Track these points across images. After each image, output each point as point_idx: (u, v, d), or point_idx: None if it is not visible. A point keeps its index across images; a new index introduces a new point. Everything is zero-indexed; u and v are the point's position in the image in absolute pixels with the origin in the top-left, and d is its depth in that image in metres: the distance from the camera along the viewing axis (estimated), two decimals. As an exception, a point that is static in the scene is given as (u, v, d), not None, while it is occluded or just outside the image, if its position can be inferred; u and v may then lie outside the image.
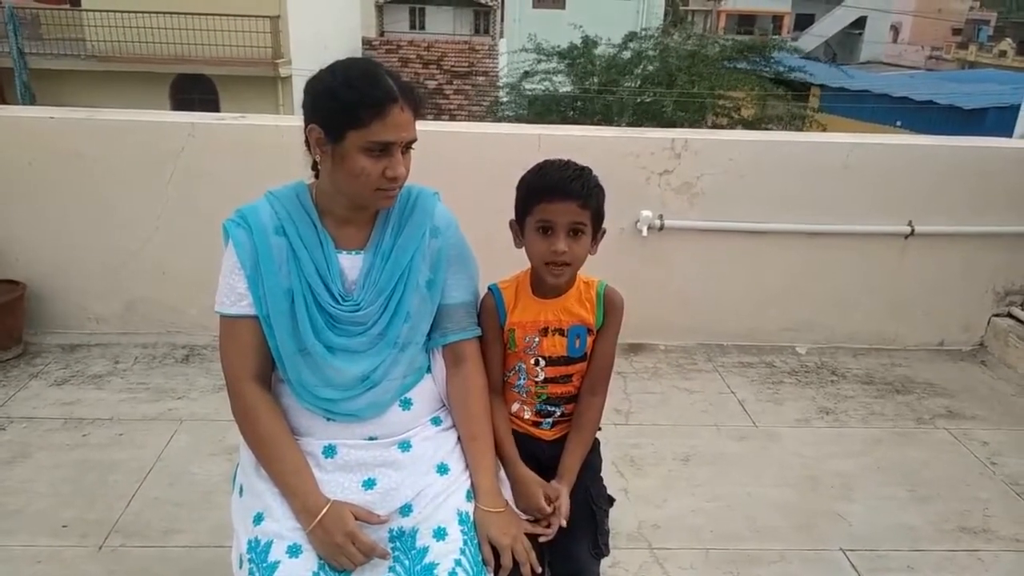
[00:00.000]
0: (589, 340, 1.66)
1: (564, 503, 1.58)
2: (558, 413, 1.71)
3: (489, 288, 1.68)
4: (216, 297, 1.51)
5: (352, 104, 1.38)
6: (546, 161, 1.60)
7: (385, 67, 1.46)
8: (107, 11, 15.42)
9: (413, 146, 1.47)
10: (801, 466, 2.80)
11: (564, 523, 1.56)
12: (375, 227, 1.54)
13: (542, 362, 1.65)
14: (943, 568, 2.33)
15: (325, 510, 1.41)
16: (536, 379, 1.67)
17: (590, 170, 1.59)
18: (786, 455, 2.88)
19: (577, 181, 1.54)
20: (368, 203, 1.49)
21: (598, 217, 1.58)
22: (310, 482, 1.45)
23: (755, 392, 3.33)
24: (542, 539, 1.56)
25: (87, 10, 15.91)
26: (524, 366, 1.66)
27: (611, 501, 1.76)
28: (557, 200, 1.53)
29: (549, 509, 1.57)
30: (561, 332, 1.64)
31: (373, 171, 1.41)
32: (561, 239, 1.53)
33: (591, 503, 1.67)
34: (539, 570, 1.51)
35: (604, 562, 1.74)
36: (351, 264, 1.52)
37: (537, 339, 1.64)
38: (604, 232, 1.63)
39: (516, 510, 1.59)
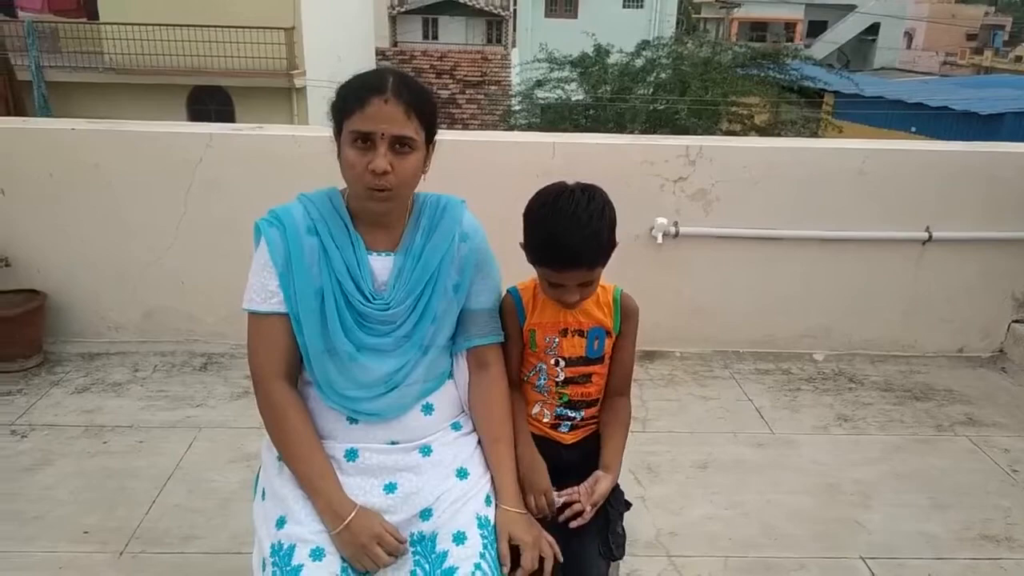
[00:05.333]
0: (607, 342, 1.68)
1: (604, 489, 1.59)
2: (578, 418, 1.72)
3: (508, 291, 1.70)
4: (244, 295, 1.52)
5: (343, 94, 1.45)
6: (554, 201, 1.51)
7: (402, 72, 1.49)
8: (125, 24, 15.61)
9: (409, 146, 1.43)
10: (819, 474, 2.79)
11: (588, 507, 1.56)
12: (406, 230, 1.56)
13: (562, 363, 1.67)
14: (965, 576, 2.31)
15: (354, 514, 1.42)
16: (556, 379, 1.68)
17: (600, 212, 1.50)
18: (804, 462, 2.86)
19: (587, 248, 1.48)
20: (364, 203, 1.47)
21: (610, 255, 1.55)
22: (336, 485, 1.46)
23: (772, 399, 3.31)
24: (573, 524, 1.56)
25: (105, 23, 16.10)
26: (544, 366, 1.68)
27: (627, 505, 1.75)
28: (565, 270, 1.52)
29: (553, 496, 1.57)
30: (581, 333, 1.66)
31: (358, 164, 1.41)
32: (572, 291, 1.55)
33: (606, 504, 1.66)
34: (561, 560, 1.51)
35: (622, 570, 1.74)
36: (382, 265, 1.54)
37: (557, 340, 1.66)
38: (616, 244, 1.59)
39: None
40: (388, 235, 1.56)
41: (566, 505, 1.57)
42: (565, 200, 1.51)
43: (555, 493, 1.59)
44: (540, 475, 1.60)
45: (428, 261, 1.54)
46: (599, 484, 1.59)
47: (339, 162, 1.48)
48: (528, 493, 1.58)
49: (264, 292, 1.49)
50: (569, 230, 1.48)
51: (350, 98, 1.43)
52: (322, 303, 1.48)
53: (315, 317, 1.48)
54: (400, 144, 1.43)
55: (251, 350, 1.52)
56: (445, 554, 1.43)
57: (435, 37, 28.39)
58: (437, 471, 1.52)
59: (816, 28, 40.69)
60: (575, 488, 1.59)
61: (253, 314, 1.51)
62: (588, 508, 1.56)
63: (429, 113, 1.48)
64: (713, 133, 14.27)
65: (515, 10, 28.37)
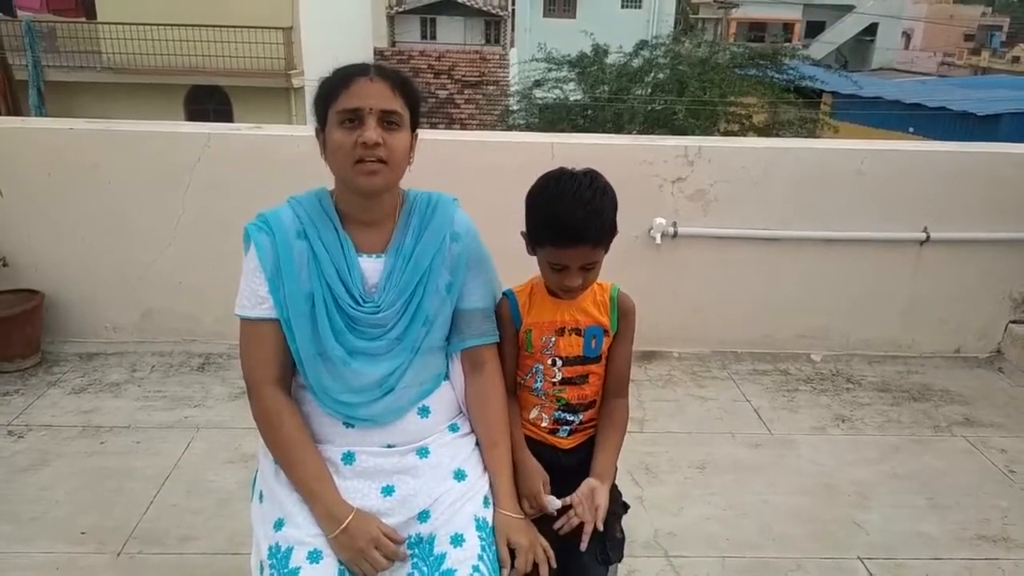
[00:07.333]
0: (605, 341, 1.66)
1: (603, 501, 1.54)
2: (576, 422, 1.70)
3: (504, 293, 1.69)
4: (236, 301, 1.51)
5: (326, 83, 1.47)
6: (557, 182, 1.53)
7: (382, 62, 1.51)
8: (123, 24, 15.60)
9: (396, 122, 1.44)
10: (817, 474, 2.79)
11: (600, 526, 1.52)
12: (395, 230, 1.55)
13: (559, 362, 1.65)
14: (962, 577, 2.31)
15: (351, 517, 1.42)
16: (553, 380, 1.66)
17: (602, 191, 1.52)
18: (802, 463, 2.86)
19: (590, 224, 1.49)
20: (354, 184, 1.46)
21: (611, 240, 1.56)
22: (332, 488, 1.46)
23: (770, 400, 3.31)
24: (563, 531, 1.54)
25: (103, 23, 16.08)
26: (541, 367, 1.66)
27: (625, 507, 1.75)
28: (569, 247, 1.51)
29: (546, 504, 1.55)
30: (578, 332, 1.64)
31: (346, 142, 1.42)
32: (574, 275, 1.54)
33: None
34: (554, 566, 1.50)
35: (621, 571, 1.73)
36: (372, 268, 1.53)
37: (553, 339, 1.64)
38: (618, 230, 1.59)
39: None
40: (378, 235, 1.55)
41: (565, 509, 1.56)
42: (567, 181, 1.53)
43: (551, 498, 1.57)
44: (533, 479, 1.60)
45: (419, 261, 1.53)
46: (596, 495, 1.54)
47: (325, 156, 1.48)
48: (522, 497, 1.58)
49: (254, 298, 1.49)
50: (572, 207, 1.49)
51: (334, 84, 1.45)
52: (312, 307, 1.48)
53: (306, 322, 1.48)
54: (388, 120, 1.44)
55: (243, 356, 1.52)
56: (443, 556, 1.43)
57: (433, 37, 28.37)
58: (435, 473, 1.52)
59: (814, 28, 40.68)
60: (570, 499, 1.56)
61: (244, 320, 1.51)
62: (598, 524, 1.52)
63: (413, 94, 1.49)
64: (711, 133, 14.28)
65: (513, 10, 28.37)
